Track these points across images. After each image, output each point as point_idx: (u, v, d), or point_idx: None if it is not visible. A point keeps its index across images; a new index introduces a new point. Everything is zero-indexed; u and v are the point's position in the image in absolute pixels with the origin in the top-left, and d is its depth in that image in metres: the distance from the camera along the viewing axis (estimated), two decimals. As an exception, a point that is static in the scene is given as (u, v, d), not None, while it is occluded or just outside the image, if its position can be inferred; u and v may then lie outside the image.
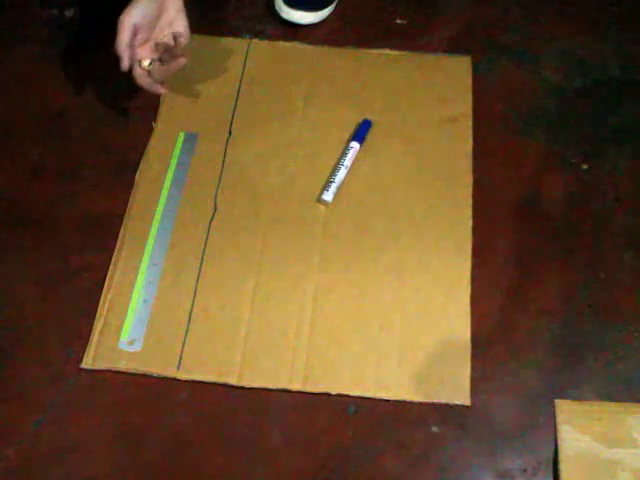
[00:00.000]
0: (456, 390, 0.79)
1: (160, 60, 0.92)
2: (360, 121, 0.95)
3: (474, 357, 0.80)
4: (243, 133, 0.96)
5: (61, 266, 0.86)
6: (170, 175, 0.92)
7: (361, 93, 0.99)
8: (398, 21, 1.07)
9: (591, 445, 0.74)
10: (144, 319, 0.83)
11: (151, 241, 0.88)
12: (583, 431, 0.75)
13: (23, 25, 1.06)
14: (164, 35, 0.91)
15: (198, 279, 0.85)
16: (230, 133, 0.96)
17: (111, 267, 0.86)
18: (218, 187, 0.92)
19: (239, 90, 0.99)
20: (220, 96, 0.99)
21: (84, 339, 0.81)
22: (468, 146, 0.94)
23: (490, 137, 0.95)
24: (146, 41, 0.90)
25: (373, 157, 0.94)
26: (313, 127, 0.96)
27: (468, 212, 0.89)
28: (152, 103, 0.97)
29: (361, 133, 0.94)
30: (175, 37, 0.90)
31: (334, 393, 0.79)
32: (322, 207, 0.90)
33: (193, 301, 0.84)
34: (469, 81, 1.00)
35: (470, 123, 0.96)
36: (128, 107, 0.98)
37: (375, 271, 0.86)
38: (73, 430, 0.77)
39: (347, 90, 0.99)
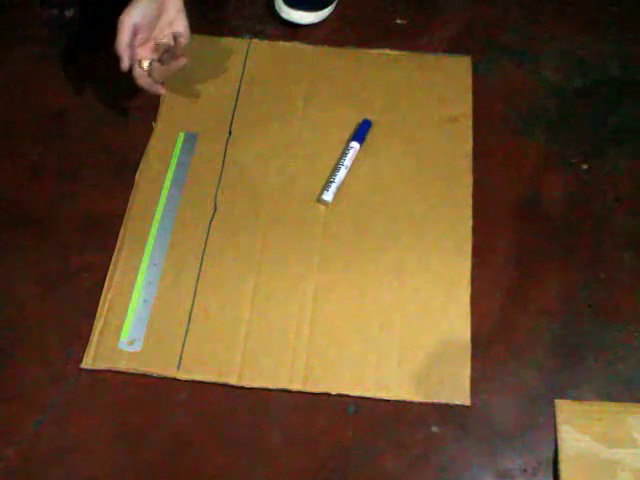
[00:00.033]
0: (456, 390, 0.79)
1: (160, 60, 0.92)
2: (360, 121, 0.95)
3: (474, 357, 0.80)
4: (243, 133, 0.96)
5: (61, 266, 0.86)
6: (170, 175, 0.92)
7: (361, 93, 0.99)
8: (398, 21, 1.07)
9: (591, 445, 0.74)
10: (144, 319, 0.83)
11: (151, 241, 0.88)
12: (583, 431, 0.75)
13: (23, 25, 1.06)
14: (164, 35, 0.91)
15: (198, 279, 0.85)
16: (230, 133, 0.96)
17: (111, 267, 0.86)
18: (218, 187, 0.92)
19: (239, 90, 0.99)
20: (220, 96, 0.99)
21: (84, 339, 0.81)
22: (468, 146, 0.94)
23: (490, 137, 0.95)
24: (146, 41, 0.90)
25: (373, 157, 0.94)
26: (313, 127, 0.96)
27: (468, 212, 0.89)
28: (152, 103, 0.97)
29: (361, 133, 0.94)
30: (175, 37, 0.90)
31: (334, 393, 0.79)
32: (322, 207, 0.90)
33: (193, 301, 0.84)
34: (469, 81, 1.00)
35: (470, 123, 0.96)
36: (128, 107, 0.98)
37: (375, 271, 0.86)
38: (73, 430, 0.77)
39: (347, 90, 0.99)
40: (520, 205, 0.91)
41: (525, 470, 0.75)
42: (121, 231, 0.88)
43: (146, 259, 0.86)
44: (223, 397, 0.79)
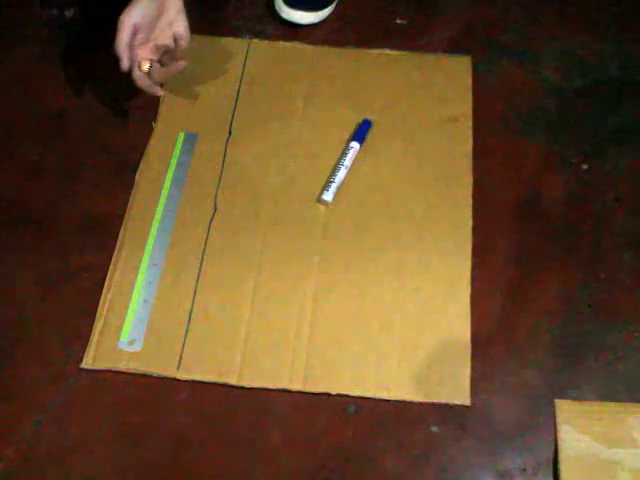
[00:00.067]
0: (456, 390, 0.79)
1: (160, 62, 0.92)
2: (360, 121, 0.95)
3: (474, 357, 0.80)
4: (243, 133, 0.96)
5: (61, 266, 0.86)
6: (170, 175, 0.92)
7: (361, 93, 0.99)
8: (398, 21, 1.07)
9: (591, 445, 0.74)
10: (144, 319, 0.83)
11: (151, 241, 0.88)
12: (583, 431, 0.75)
13: (23, 25, 1.06)
14: (164, 36, 0.91)
15: (198, 279, 0.85)
16: (230, 133, 0.96)
17: (111, 267, 0.86)
18: (218, 187, 0.92)
19: (239, 90, 0.99)
20: (220, 96, 0.99)
21: (84, 339, 0.81)
22: (468, 146, 0.94)
23: (490, 137, 0.95)
24: (146, 41, 0.90)
25: (373, 157, 0.94)
26: (313, 127, 0.96)
27: (468, 212, 0.89)
28: (152, 103, 0.97)
29: (361, 133, 0.94)
30: (176, 39, 0.90)
31: (334, 393, 0.79)
32: (322, 207, 0.90)
33: (193, 301, 0.84)
34: (469, 81, 1.00)
35: (470, 123, 0.96)
36: (128, 107, 0.98)
37: (375, 271, 0.86)
38: (73, 430, 0.77)
39: (347, 90, 0.99)
40: (520, 205, 0.91)
41: (525, 470, 0.75)
42: (121, 231, 0.88)
43: (146, 259, 0.86)
44: (223, 397, 0.79)
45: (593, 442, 0.74)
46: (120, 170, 0.93)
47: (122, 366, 0.80)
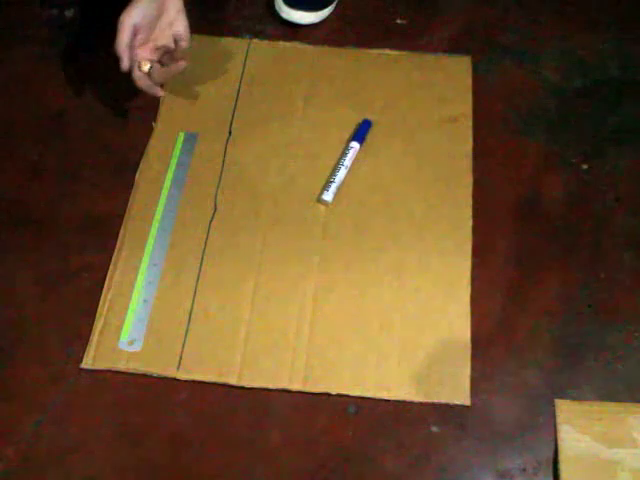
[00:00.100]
0: (456, 390, 0.79)
1: (160, 62, 0.92)
2: (360, 121, 0.95)
3: (474, 357, 0.80)
4: (243, 133, 0.96)
5: (61, 266, 0.86)
6: (170, 175, 0.92)
7: (361, 93, 0.99)
8: (398, 21, 1.07)
9: (591, 445, 0.74)
10: (144, 319, 0.83)
11: (151, 241, 0.88)
12: (583, 431, 0.75)
13: (23, 25, 1.06)
14: (164, 36, 0.91)
15: (198, 279, 0.85)
16: (230, 133, 0.96)
17: (111, 267, 0.86)
18: (218, 187, 0.92)
19: (239, 90, 0.99)
20: (220, 96, 0.99)
21: (84, 339, 0.81)
22: (468, 146, 0.94)
23: (490, 137, 0.95)
24: (146, 41, 0.90)
25: (373, 157, 0.94)
26: (313, 127, 0.96)
27: (468, 212, 0.89)
28: (152, 103, 0.97)
29: (361, 133, 0.94)
30: (176, 40, 0.90)
31: (334, 393, 0.79)
32: (322, 207, 0.90)
33: (193, 301, 0.84)
34: (469, 81, 1.00)
35: (470, 123, 0.96)
36: (128, 107, 0.98)
37: (375, 271, 0.86)
38: (73, 430, 0.77)
39: (347, 90, 0.99)
40: (520, 205, 0.91)
41: (525, 470, 0.75)
42: (121, 231, 0.88)
43: (146, 259, 0.86)
44: (223, 397, 0.79)
45: (593, 442, 0.74)
46: (120, 170, 0.93)
47: (122, 366, 0.80)
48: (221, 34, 1.04)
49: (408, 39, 1.04)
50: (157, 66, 0.91)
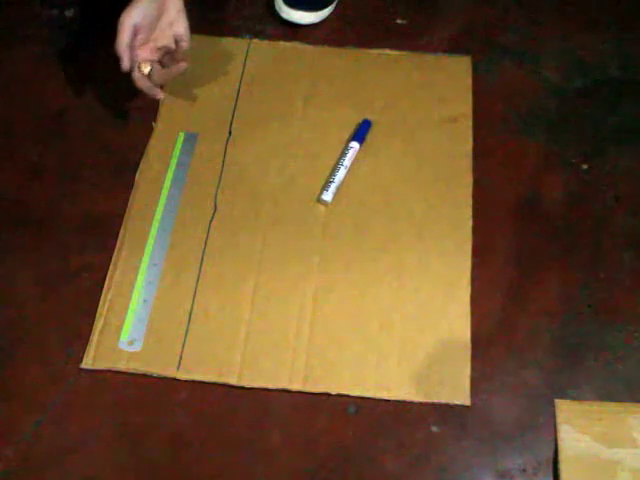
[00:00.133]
0: (456, 390, 0.79)
1: (161, 63, 0.92)
2: (360, 121, 0.95)
3: (474, 357, 0.80)
4: (243, 133, 0.96)
5: (61, 266, 0.86)
6: (170, 175, 0.92)
7: (361, 93, 0.99)
8: (398, 21, 1.07)
9: (591, 445, 0.74)
10: (144, 319, 0.83)
11: (151, 241, 0.88)
12: (583, 431, 0.75)
13: (23, 25, 1.06)
14: (165, 36, 0.91)
15: (198, 279, 0.85)
16: (230, 133, 0.96)
17: (111, 267, 0.86)
18: (218, 187, 0.92)
19: (239, 90, 0.99)
20: (220, 96, 0.99)
21: (84, 339, 0.81)
22: (468, 146, 0.94)
23: (490, 137, 0.95)
24: (146, 42, 0.90)
25: (373, 157, 0.94)
26: (313, 127, 0.96)
27: (468, 212, 0.89)
28: (152, 103, 0.97)
29: (361, 133, 0.94)
30: (177, 40, 0.90)
31: (334, 393, 0.79)
32: (322, 207, 0.90)
33: (193, 301, 0.84)
34: (469, 81, 1.00)
35: (470, 123, 0.96)
36: (128, 107, 0.98)
37: (375, 271, 0.86)
38: (73, 430, 0.77)
39: (347, 90, 0.99)
40: (520, 205, 0.91)
41: (525, 470, 0.75)
42: (121, 231, 0.88)
43: (146, 259, 0.86)
44: (223, 397, 0.79)
45: (593, 442, 0.74)
46: (120, 170, 0.93)
47: (122, 366, 0.80)
48: (221, 34, 1.04)
49: (408, 39, 1.04)
50: (157, 67, 0.91)
